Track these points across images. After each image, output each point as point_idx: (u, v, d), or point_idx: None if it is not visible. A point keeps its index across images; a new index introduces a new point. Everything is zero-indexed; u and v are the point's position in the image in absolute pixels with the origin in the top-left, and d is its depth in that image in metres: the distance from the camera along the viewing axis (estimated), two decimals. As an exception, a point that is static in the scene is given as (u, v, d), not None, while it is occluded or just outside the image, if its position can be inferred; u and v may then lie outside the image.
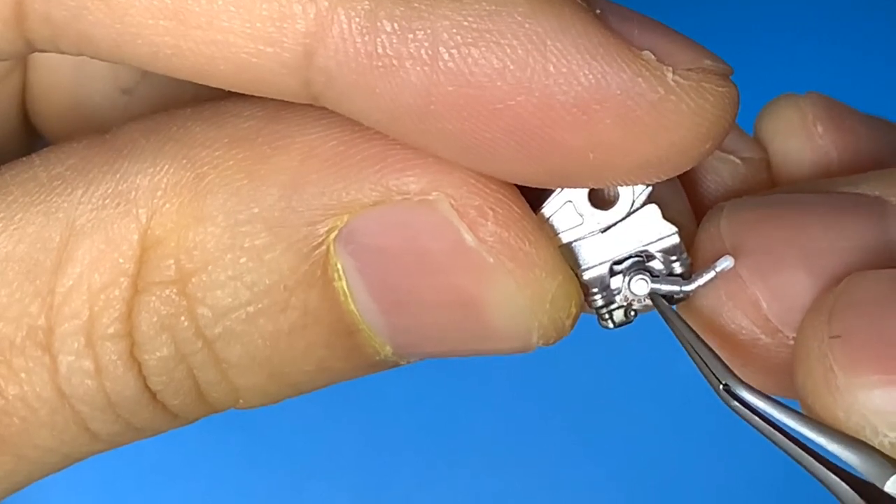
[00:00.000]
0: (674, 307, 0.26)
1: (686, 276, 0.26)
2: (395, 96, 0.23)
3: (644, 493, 0.59)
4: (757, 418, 0.24)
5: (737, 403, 0.24)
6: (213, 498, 0.58)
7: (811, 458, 0.24)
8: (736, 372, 0.25)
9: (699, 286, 0.26)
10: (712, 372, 0.25)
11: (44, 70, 0.31)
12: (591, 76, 0.23)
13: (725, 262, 0.25)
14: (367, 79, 0.23)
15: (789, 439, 0.24)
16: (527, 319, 0.25)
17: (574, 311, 0.25)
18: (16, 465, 0.25)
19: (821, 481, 0.24)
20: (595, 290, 0.26)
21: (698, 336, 0.25)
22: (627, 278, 0.26)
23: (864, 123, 0.30)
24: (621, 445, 0.59)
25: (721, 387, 0.24)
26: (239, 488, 0.58)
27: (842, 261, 0.25)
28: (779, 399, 0.24)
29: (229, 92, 0.24)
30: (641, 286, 0.26)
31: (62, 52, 0.24)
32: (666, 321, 0.26)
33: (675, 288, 0.26)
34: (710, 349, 0.25)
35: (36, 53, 0.29)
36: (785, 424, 0.24)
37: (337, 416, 0.58)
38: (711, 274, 0.26)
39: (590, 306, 0.26)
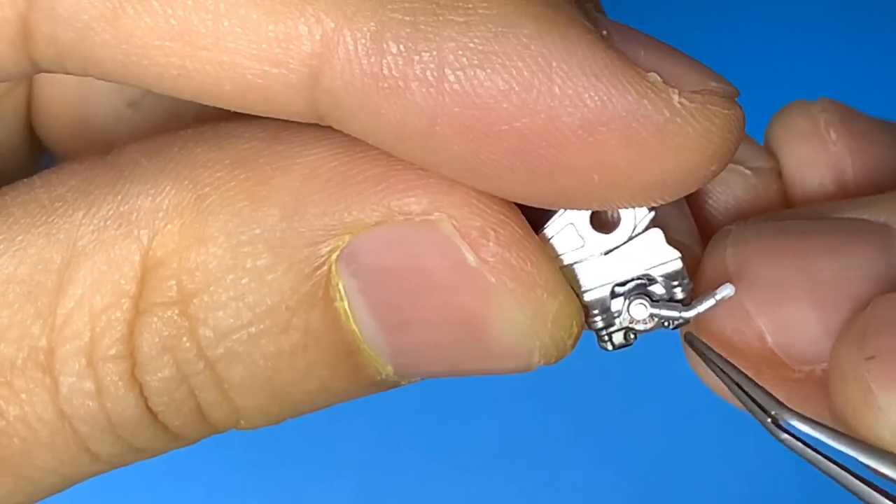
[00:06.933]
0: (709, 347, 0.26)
1: (687, 302, 0.26)
2: (400, 117, 0.23)
3: (646, 495, 0.59)
4: (809, 450, 0.24)
5: (787, 436, 0.24)
6: (214, 499, 0.58)
7: (868, 488, 0.23)
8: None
9: (699, 313, 0.26)
10: (758, 405, 0.24)
11: (49, 83, 0.31)
12: (596, 98, 0.22)
13: (726, 290, 0.25)
14: (372, 100, 0.23)
15: (844, 469, 0.24)
16: (528, 339, 0.25)
17: (576, 330, 0.25)
18: (16, 485, 0.25)
19: None
20: (595, 311, 0.26)
21: (740, 370, 0.25)
22: (627, 301, 0.26)
23: (878, 128, 0.30)
24: (624, 448, 0.59)
25: (769, 420, 0.24)
26: (241, 490, 0.58)
27: (847, 292, 0.25)
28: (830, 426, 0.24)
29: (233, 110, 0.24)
30: (640, 310, 0.26)
31: (68, 73, 0.24)
32: (703, 358, 0.26)
33: (675, 314, 0.26)
34: (754, 382, 0.25)
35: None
36: (838, 452, 0.24)
37: (340, 418, 0.58)
38: (711, 301, 0.25)
39: (589, 328, 0.26)
